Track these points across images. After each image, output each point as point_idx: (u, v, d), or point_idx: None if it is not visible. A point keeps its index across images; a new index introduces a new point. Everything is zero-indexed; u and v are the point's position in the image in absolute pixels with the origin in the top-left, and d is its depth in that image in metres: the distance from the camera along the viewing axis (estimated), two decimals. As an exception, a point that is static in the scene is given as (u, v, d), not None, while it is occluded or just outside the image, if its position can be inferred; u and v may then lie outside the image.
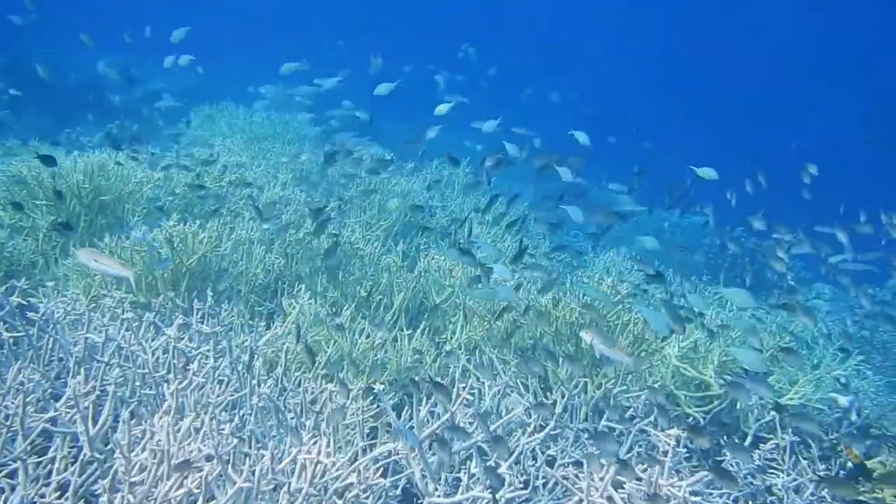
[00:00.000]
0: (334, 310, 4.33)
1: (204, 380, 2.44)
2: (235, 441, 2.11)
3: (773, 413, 3.25)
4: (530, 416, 3.01)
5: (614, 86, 26.54)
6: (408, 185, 7.00)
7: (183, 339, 2.77)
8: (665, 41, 32.24)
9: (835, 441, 3.25)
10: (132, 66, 12.71)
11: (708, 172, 5.43)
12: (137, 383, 2.60)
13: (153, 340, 3.09)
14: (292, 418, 2.68)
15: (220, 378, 2.80)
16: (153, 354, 2.71)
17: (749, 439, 3.21)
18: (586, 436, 2.97)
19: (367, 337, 3.93)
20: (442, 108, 6.55)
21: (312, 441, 2.18)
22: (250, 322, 3.90)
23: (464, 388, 2.44)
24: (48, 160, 4.62)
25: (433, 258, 4.90)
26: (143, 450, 2.15)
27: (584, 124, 6.16)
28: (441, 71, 11.91)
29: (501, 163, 5.30)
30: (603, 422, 2.85)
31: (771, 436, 3.20)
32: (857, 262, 5.37)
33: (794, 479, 2.63)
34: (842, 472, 2.87)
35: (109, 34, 11.58)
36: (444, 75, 11.79)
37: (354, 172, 6.21)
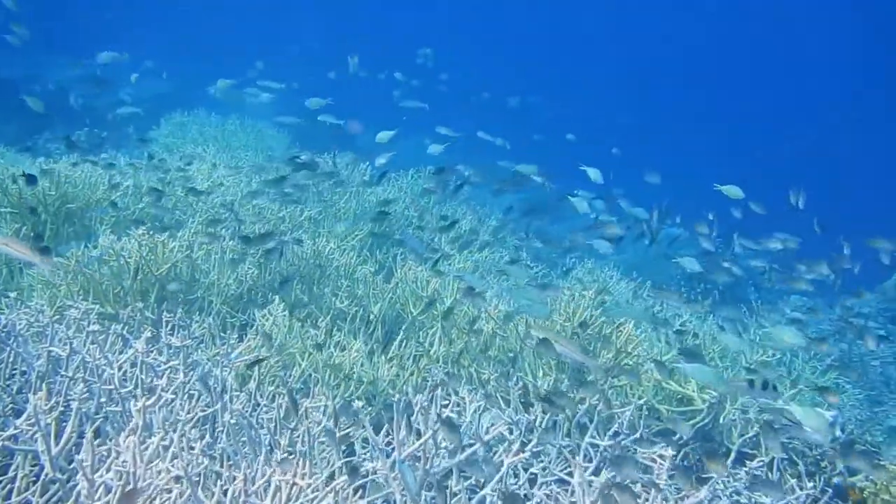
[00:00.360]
0: (310, 321, 4.23)
1: (173, 396, 2.33)
2: (206, 461, 2.01)
3: (756, 429, 3.20)
4: (511, 433, 2.94)
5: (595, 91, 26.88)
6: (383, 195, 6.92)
7: (152, 352, 2.66)
8: (642, 45, 32.65)
9: (818, 457, 3.22)
10: (108, 71, 12.48)
11: (733, 191, 5.26)
12: (103, 399, 2.48)
13: (120, 353, 2.98)
14: (265, 435, 2.57)
15: (190, 392, 2.69)
16: (120, 368, 2.60)
17: (733, 455, 3.15)
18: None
19: (343, 350, 3.84)
20: (436, 148, 6.47)
21: (287, 461, 2.08)
22: (222, 334, 3.77)
23: (447, 405, 2.36)
24: (31, 179, 4.53)
25: (410, 269, 4.82)
26: (108, 470, 2.04)
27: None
28: (396, 73, 11.86)
29: (445, 181, 5.28)
30: (587, 438, 2.78)
31: (755, 451, 3.16)
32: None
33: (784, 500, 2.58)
34: (827, 489, 2.83)
35: (88, 44, 11.44)
36: (401, 78, 11.75)
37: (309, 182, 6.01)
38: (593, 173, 5.69)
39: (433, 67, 14.00)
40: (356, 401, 2.32)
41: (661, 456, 2.48)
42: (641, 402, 3.22)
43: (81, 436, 2.44)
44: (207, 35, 21.27)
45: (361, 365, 3.79)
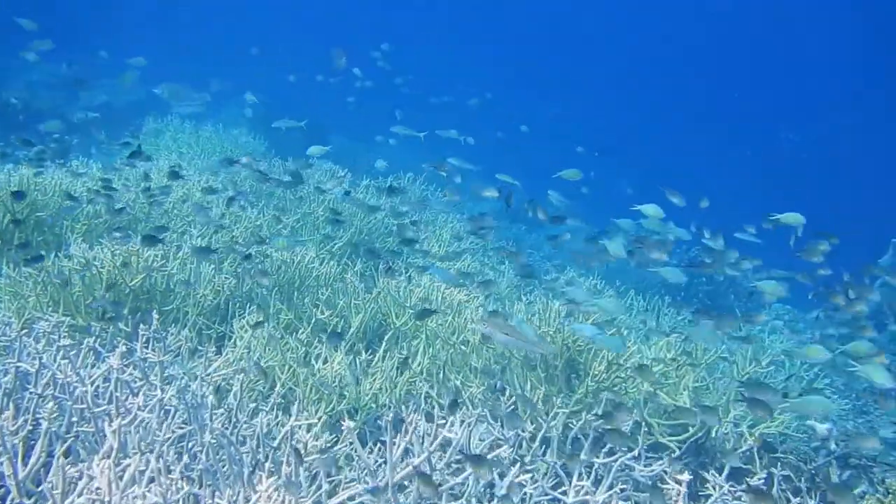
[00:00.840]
0: (289, 332, 4.11)
1: (149, 415, 2.20)
2: (186, 486, 1.89)
3: (750, 442, 3.14)
4: (499, 447, 2.84)
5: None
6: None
7: (127, 369, 2.52)
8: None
9: (813, 472, 3.16)
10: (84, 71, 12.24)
11: (795, 218, 4.68)
12: (74, 418, 2.34)
13: (93, 367, 2.84)
14: (247, 454, 2.45)
15: (167, 408, 2.57)
16: (93, 384, 2.46)
17: (726, 471, 3.08)
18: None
19: (325, 362, 3.72)
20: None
21: (271, 485, 1.96)
22: (199, 347, 3.64)
23: (444, 424, 2.25)
24: (18, 195, 4.39)
25: (392, 279, 4.72)
26: (80, 495, 1.91)
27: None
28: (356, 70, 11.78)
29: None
30: (583, 455, 2.68)
31: (749, 466, 3.09)
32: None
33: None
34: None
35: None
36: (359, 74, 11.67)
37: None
38: (652, 210, 4.75)
39: (390, 68, 13.78)
40: (345, 420, 2.20)
41: (676, 480, 2.39)
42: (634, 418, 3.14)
43: (51, 456, 2.31)
44: (167, 34, 21.04)
45: (343, 378, 3.67)
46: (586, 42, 34.09)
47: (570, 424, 3.08)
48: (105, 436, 2.16)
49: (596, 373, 3.37)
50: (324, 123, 14.42)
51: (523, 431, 2.84)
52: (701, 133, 27.60)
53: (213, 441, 2.22)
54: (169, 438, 2.16)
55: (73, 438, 2.41)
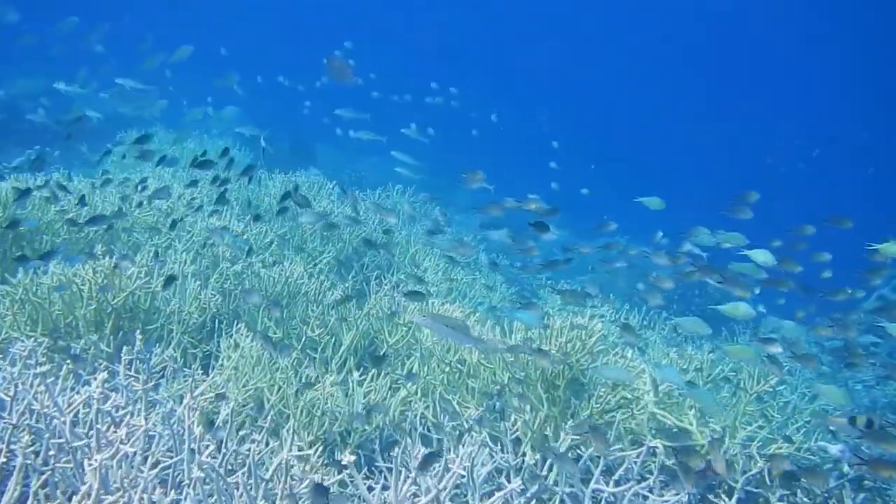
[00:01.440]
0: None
1: (133, 449, 2.05)
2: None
3: (759, 465, 3.02)
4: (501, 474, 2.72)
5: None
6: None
7: (110, 397, 2.38)
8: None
9: (827, 495, 3.04)
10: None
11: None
12: (52, 452, 2.19)
13: (73, 391, 2.69)
14: (238, 492, 2.30)
15: (151, 434, 2.42)
16: (72, 413, 2.31)
17: (736, 496, 2.96)
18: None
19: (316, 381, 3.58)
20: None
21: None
22: (185, 369, 3.49)
23: (454, 460, 2.10)
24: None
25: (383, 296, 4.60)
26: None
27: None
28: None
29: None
30: (592, 484, 2.56)
31: (760, 490, 2.98)
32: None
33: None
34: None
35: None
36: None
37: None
38: (762, 256, 4.39)
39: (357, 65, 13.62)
40: (345, 455, 2.06)
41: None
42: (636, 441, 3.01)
43: (27, 489, 2.17)
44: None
45: (335, 399, 3.53)
46: (572, 43, 34.21)
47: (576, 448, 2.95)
48: (84, 470, 2.02)
49: (601, 394, 3.25)
50: (306, 135, 14.30)
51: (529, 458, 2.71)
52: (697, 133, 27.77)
53: (202, 475, 2.07)
54: (153, 474, 2.02)
55: (50, 472, 2.26)
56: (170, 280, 3.81)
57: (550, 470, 2.77)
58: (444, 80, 14.72)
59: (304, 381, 3.56)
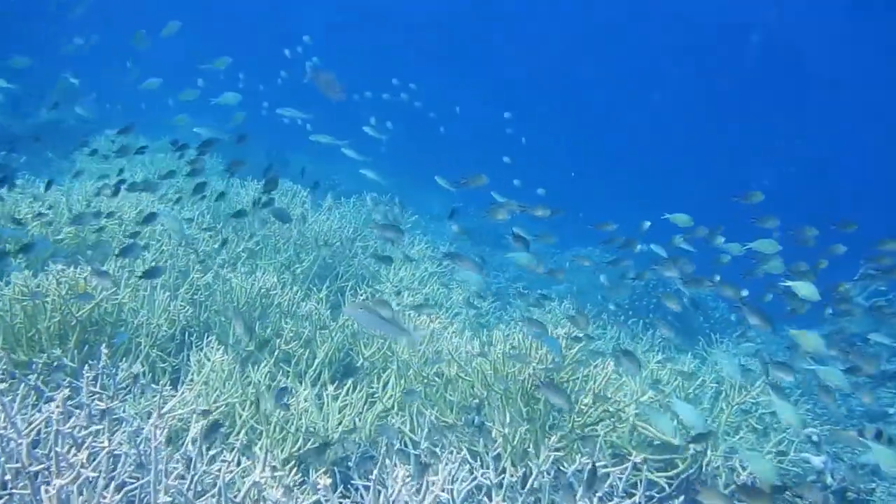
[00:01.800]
0: (250, 363, 3.85)
1: (95, 474, 1.93)
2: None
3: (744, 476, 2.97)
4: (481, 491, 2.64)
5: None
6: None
7: (71, 416, 2.26)
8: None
9: (812, 508, 2.99)
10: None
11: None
12: (7, 477, 2.06)
13: (34, 408, 2.56)
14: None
15: (116, 454, 2.30)
16: (31, 434, 2.19)
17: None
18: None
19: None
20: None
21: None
22: (153, 385, 3.36)
23: (437, 480, 2.02)
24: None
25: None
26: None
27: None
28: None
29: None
30: (578, 498, 2.48)
31: (744, 501, 2.91)
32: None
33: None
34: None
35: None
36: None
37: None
38: (806, 290, 4.09)
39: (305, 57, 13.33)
40: (321, 478, 1.95)
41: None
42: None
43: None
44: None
45: (309, 414, 3.42)
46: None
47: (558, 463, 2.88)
48: (42, 499, 1.90)
49: (582, 407, 3.18)
50: (281, 143, 14.10)
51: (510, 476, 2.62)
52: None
53: (168, 499, 1.96)
54: (117, 500, 1.90)
55: (7, 497, 2.14)
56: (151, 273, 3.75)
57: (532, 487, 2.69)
58: (407, 76, 14.51)
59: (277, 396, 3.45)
